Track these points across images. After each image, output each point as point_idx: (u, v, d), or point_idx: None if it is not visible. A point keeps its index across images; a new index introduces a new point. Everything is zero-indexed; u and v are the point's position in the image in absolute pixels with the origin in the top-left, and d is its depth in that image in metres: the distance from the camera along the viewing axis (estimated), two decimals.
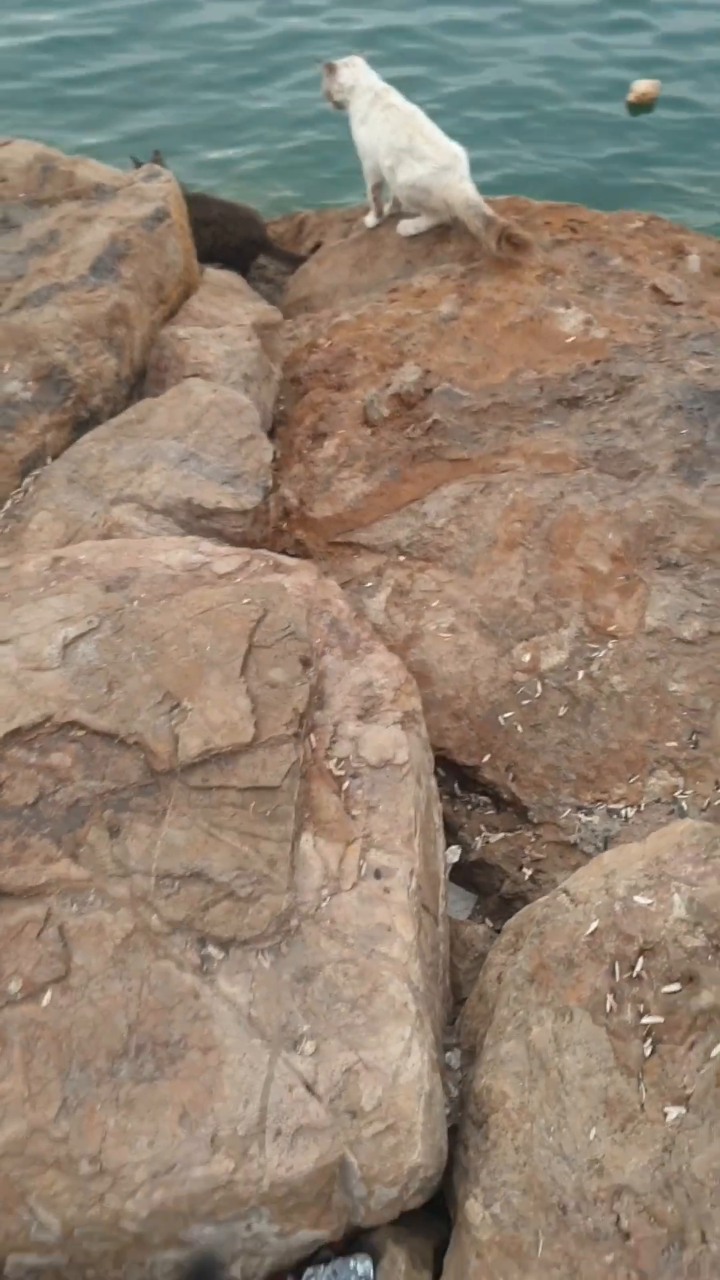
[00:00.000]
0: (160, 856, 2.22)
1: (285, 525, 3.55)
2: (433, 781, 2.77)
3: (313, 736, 2.51)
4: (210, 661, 2.51)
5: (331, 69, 4.57)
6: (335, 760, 2.49)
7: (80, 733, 2.39)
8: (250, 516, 3.13)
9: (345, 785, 2.45)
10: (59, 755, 2.36)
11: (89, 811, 2.29)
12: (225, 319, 3.85)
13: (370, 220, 4.73)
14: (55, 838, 2.26)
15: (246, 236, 5.21)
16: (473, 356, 3.79)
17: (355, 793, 2.44)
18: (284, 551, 3.52)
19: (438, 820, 2.76)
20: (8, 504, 3.25)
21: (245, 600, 2.64)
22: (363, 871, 2.31)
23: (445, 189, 4.22)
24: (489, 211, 4.17)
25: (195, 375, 3.59)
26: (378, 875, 2.31)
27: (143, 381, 3.74)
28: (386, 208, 4.68)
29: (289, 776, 2.36)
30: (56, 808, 2.30)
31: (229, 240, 5.17)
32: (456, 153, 4.26)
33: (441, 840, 2.77)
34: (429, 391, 3.67)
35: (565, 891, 2.39)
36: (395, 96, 4.44)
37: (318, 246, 5.82)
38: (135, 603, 2.63)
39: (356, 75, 4.53)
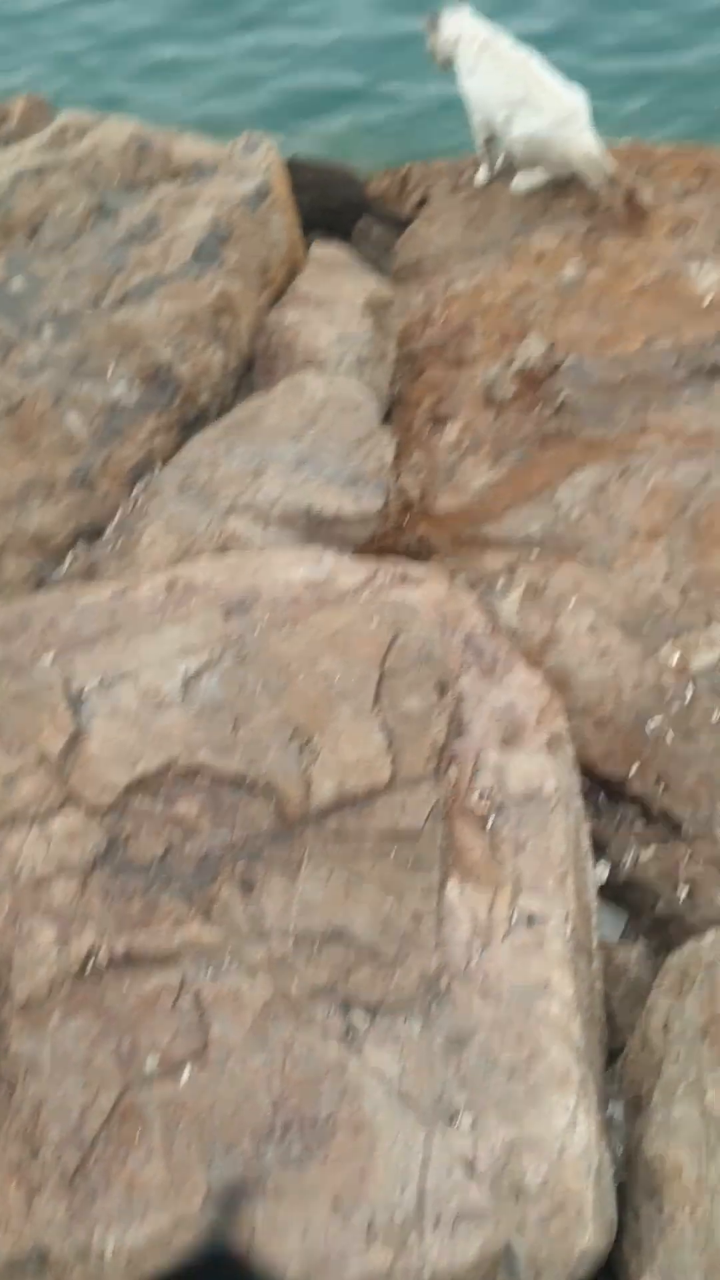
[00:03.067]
0: (298, 914, 2.09)
1: (406, 521, 3.35)
2: (580, 801, 2.58)
3: (453, 769, 2.33)
4: (340, 692, 2.36)
5: (433, 23, 4.27)
6: (478, 794, 2.32)
7: (206, 778, 2.26)
8: (372, 521, 2.95)
9: (490, 822, 2.28)
10: (185, 804, 2.24)
11: (220, 865, 2.17)
12: (335, 298, 3.64)
13: (482, 176, 4.44)
14: (186, 895, 2.14)
15: (345, 199, 4.96)
16: (601, 325, 3.52)
17: (501, 829, 2.27)
18: (407, 550, 3.33)
19: (586, 843, 2.57)
20: (118, 516, 3.13)
21: (374, 622, 2.47)
22: (514, 919, 2.15)
23: (565, 143, 3.92)
24: (611, 168, 3.85)
25: (307, 362, 3.41)
26: (530, 922, 2.14)
27: (251, 371, 3.56)
28: (499, 162, 4.38)
29: (431, 819, 2.20)
30: (186, 862, 2.18)
31: (328, 204, 4.92)
32: (577, 103, 3.93)
33: (591, 864, 2.59)
34: (556, 367, 3.42)
35: None
36: (505, 43, 4.13)
37: (424, 202, 5.53)
38: (257, 629, 2.49)
39: (460, 24, 4.22)
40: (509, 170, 4.38)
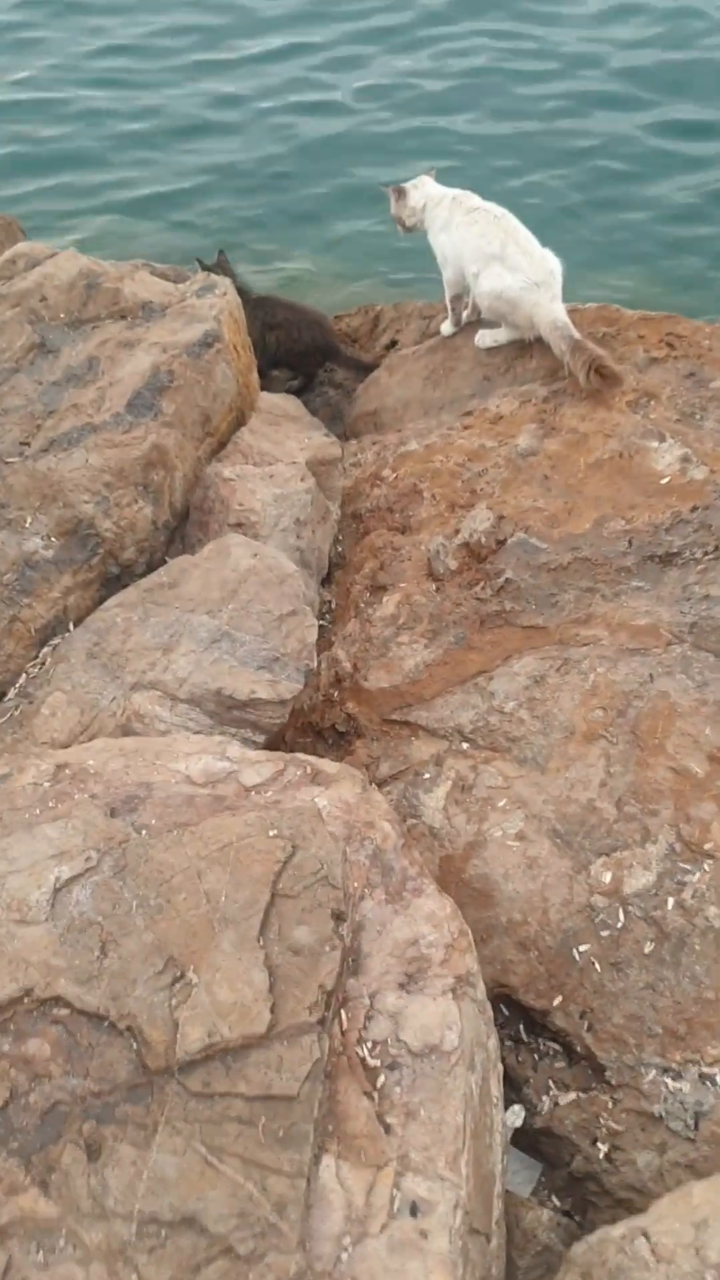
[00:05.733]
0: (145, 1194, 1.82)
1: (336, 694, 3.15)
2: (493, 1042, 2.33)
3: (343, 1013, 2.09)
4: (224, 916, 2.12)
5: (400, 192, 4.21)
6: (370, 1045, 2.07)
7: (64, 1011, 2.01)
8: (289, 705, 2.74)
9: (380, 1081, 2.02)
10: (37, 1042, 1.98)
11: (66, 1121, 1.90)
12: (277, 455, 3.49)
13: (447, 328, 4.34)
14: (24, 1157, 1.87)
15: (313, 343, 4.88)
16: (553, 499, 3.37)
17: (392, 1091, 2.01)
18: (333, 727, 3.13)
19: (497, 1090, 2.31)
20: (21, 679, 2.91)
21: (271, 832, 2.24)
22: (396, 1206, 1.88)
23: (534, 307, 3.81)
24: (577, 336, 3.74)
25: (239, 524, 3.23)
26: (414, 1212, 1.87)
27: (185, 523, 3.38)
28: (466, 314, 4.28)
29: (309, 1080, 1.94)
30: (29, 1114, 1.91)
31: (295, 346, 4.84)
32: (552, 269, 3.83)
33: (500, 1115, 2.32)
34: (502, 542, 3.26)
35: (645, 1235, 1.93)
36: (476, 199, 4.06)
37: (393, 344, 5.47)
38: (143, 832, 2.25)
39: (426, 192, 4.18)
40: (475, 324, 4.28)
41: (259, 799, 2.37)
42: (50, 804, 2.34)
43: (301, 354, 4.91)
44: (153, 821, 2.28)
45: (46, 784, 2.39)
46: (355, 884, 2.26)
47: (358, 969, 2.16)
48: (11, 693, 2.89)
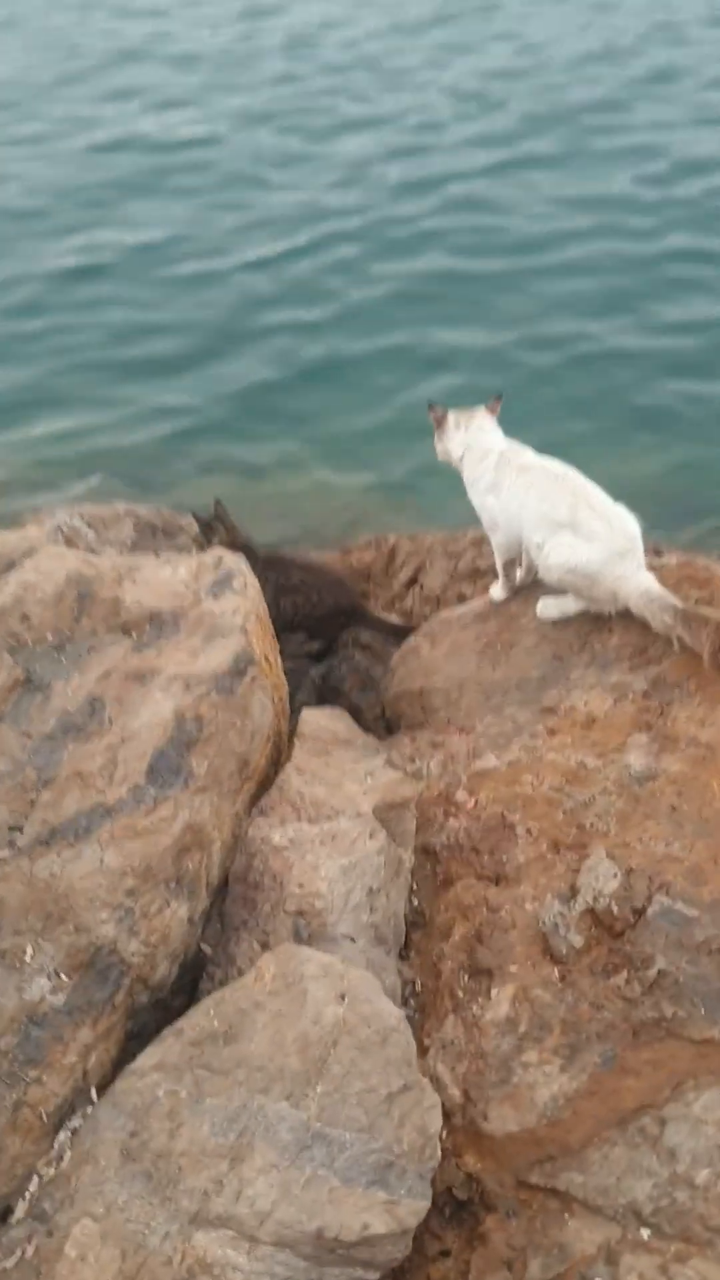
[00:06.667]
0: None
1: (446, 1136, 2.37)
2: None
3: None
4: None
5: (440, 421, 3.62)
6: None
7: None
8: (413, 1232, 1.96)
9: None
10: None
11: None
12: (335, 803, 2.78)
13: (498, 593, 3.70)
14: None
15: (335, 605, 4.26)
16: (690, 842, 2.67)
17: None
18: (449, 1191, 2.34)
19: None
20: (32, 1185, 2.11)
21: None
22: None
23: (618, 580, 3.19)
24: (681, 605, 3.10)
25: (301, 911, 2.50)
26: None
27: (223, 897, 2.65)
28: (520, 575, 3.66)
29: None
30: None
31: (314, 610, 4.22)
32: (632, 532, 3.23)
33: None
34: (640, 911, 2.54)
35: None
36: (529, 454, 3.47)
37: (413, 582, 4.87)
38: None
39: (469, 440, 3.57)
40: (532, 586, 3.65)
41: None
42: None
43: (322, 618, 4.27)
44: None
45: None
46: None
47: None
48: (20, 1209, 2.09)
